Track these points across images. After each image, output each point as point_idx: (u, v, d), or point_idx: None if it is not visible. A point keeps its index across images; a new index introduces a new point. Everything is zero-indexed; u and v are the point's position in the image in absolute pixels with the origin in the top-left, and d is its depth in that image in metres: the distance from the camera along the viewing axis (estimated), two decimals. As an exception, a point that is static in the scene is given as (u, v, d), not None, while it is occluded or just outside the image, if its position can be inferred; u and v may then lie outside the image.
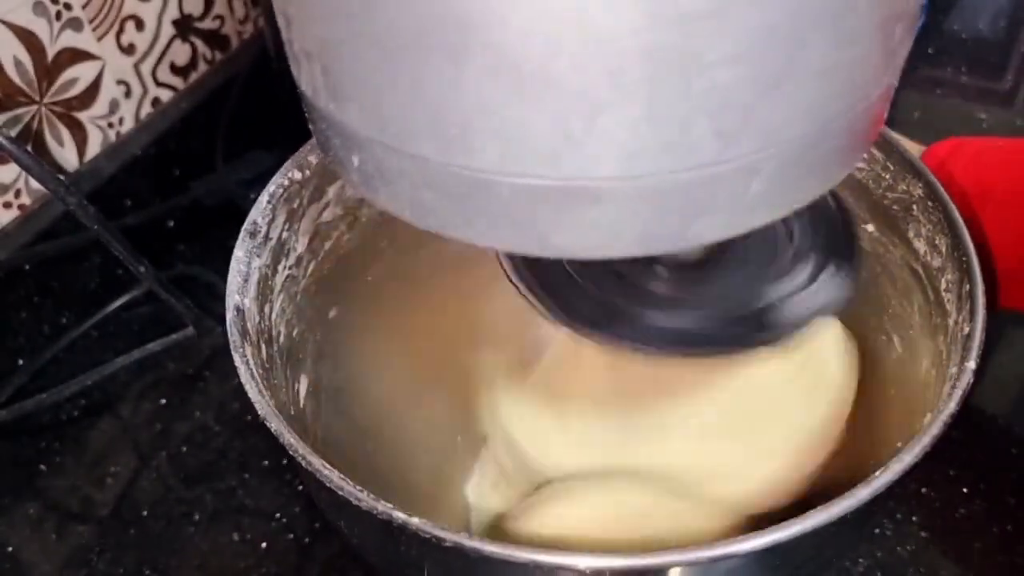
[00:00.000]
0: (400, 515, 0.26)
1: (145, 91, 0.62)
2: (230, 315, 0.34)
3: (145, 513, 0.47)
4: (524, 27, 0.18)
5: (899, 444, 0.28)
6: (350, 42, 0.20)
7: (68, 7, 0.54)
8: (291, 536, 0.45)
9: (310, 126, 0.25)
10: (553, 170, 0.20)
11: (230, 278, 0.35)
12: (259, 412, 0.30)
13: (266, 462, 0.49)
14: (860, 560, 0.42)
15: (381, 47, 0.19)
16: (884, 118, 0.24)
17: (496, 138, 0.19)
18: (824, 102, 0.20)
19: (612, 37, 0.18)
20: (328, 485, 0.28)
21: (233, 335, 0.33)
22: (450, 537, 0.26)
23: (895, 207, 0.39)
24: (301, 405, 0.40)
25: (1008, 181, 0.41)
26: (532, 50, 0.18)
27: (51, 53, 0.54)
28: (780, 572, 0.30)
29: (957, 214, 0.35)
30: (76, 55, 0.55)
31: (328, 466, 0.28)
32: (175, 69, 0.64)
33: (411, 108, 0.20)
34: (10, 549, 0.45)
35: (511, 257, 0.32)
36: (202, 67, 0.66)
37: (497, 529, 0.41)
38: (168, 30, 0.62)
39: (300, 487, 0.47)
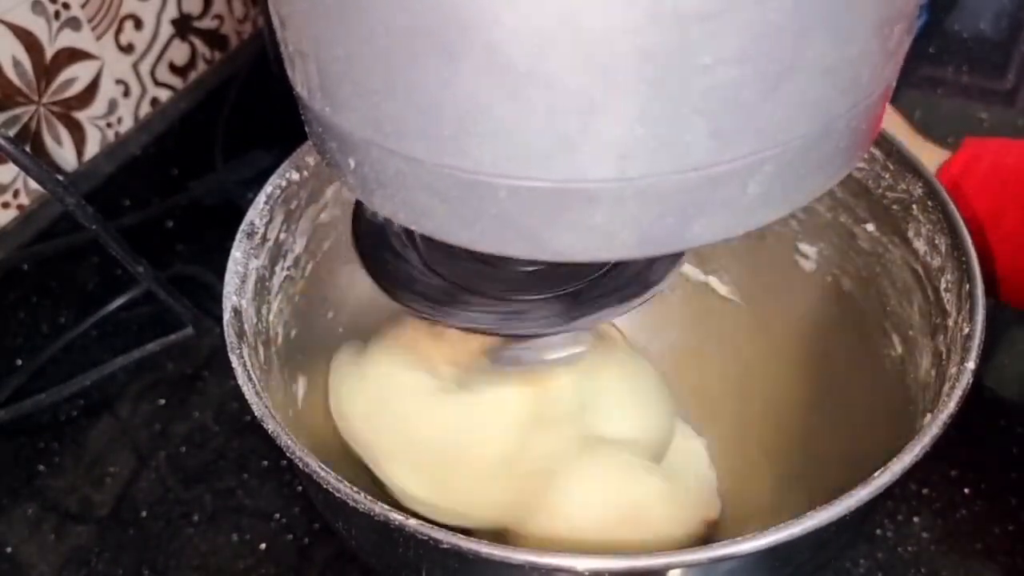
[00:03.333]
0: (397, 516, 0.26)
1: (144, 91, 0.62)
2: (227, 316, 0.34)
3: (144, 513, 0.47)
4: (518, 27, 0.18)
5: (899, 444, 0.28)
6: (344, 43, 0.20)
7: (67, 6, 0.53)
8: (290, 537, 0.45)
9: (306, 128, 0.25)
10: (547, 172, 0.20)
11: (227, 279, 0.35)
12: (256, 413, 0.30)
13: (265, 462, 0.49)
14: (861, 561, 0.42)
15: (375, 48, 0.19)
16: (882, 118, 0.24)
17: (490, 139, 0.19)
18: (823, 103, 0.20)
19: (607, 37, 0.17)
20: (325, 486, 0.28)
21: (230, 336, 0.33)
22: (447, 538, 0.26)
23: (895, 207, 0.39)
24: (299, 406, 0.40)
25: (1020, 207, 0.42)
26: (526, 50, 0.18)
27: (50, 53, 0.53)
28: (780, 572, 0.30)
29: (957, 214, 0.35)
30: (75, 55, 0.55)
31: (325, 467, 0.28)
32: (174, 69, 0.64)
33: (405, 109, 0.20)
34: (8, 550, 0.45)
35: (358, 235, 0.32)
36: (201, 67, 0.66)
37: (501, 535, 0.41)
38: (167, 29, 0.62)
39: (299, 488, 0.47)
